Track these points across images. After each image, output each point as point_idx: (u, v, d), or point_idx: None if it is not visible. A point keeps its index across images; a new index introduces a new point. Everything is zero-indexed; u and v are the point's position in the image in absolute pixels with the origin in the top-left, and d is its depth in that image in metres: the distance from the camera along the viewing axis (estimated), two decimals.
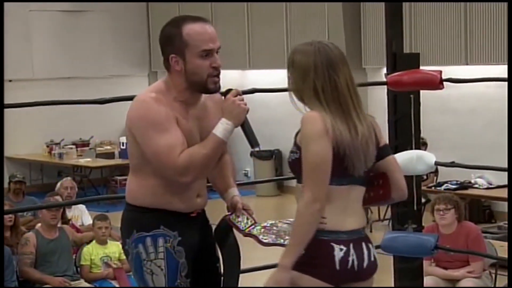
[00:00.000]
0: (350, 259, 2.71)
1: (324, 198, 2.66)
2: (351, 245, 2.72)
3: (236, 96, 2.88)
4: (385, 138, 2.88)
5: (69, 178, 8.61)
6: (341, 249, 2.70)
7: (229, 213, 3.04)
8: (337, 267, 2.69)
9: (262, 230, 2.96)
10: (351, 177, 2.72)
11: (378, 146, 2.79)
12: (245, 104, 2.87)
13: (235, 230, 3.03)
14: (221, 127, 2.84)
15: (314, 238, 2.68)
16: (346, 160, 2.69)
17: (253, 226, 2.98)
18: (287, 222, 3.00)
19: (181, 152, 2.80)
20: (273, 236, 2.96)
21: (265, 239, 2.92)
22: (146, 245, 2.92)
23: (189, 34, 2.85)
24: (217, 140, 2.83)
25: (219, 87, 2.93)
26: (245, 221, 2.99)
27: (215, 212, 3.19)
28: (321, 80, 2.70)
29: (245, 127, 2.90)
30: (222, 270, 3.09)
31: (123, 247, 3.03)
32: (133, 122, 2.87)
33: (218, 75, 2.91)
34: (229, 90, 2.92)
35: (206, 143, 2.83)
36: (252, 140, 2.93)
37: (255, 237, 2.95)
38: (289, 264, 2.66)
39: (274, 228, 2.95)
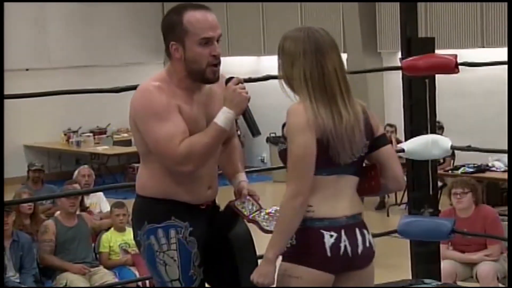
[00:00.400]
0: (342, 245, 2.69)
1: (307, 191, 2.64)
2: (343, 231, 2.70)
3: (237, 84, 2.84)
4: (381, 128, 2.85)
5: (86, 165, 8.66)
6: (331, 236, 2.68)
7: (235, 199, 3.02)
8: (329, 253, 2.67)
9: (266, 216, 2.94)
10: (338, 166, 2.70)
11: (373, 136, 2.77)
12: (247, 93, 2.84)
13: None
14: (222, 116, 2.81)
15: (304, 227, 2.67)
16: (331, 149, 2.66)
17: (258, 212, 2.96)
18: None
19: (182, 141, 2.78)
20: (275, 223, 2.90)
21: (266, 226, 2.88)
22: (158, 236, 2.90)
23: (190, 21, 2.83)
24: (218, 129, 2.81)
25: (218, 77, 2.89)
26: (250, 207, 2.97)
27: (227, 200, 3.14)
28: (309, 66, 2.67)
29: (247, 115, 2.87)
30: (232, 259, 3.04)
31: (134, 238, 3.01)
32: (135, 111, 2.87)
33: (217, 64, 2.88)
34: (230, 78, 2.88)
35: (207, 132, 2.81)
36: (254, 129, 2.91)
37: (257, 223, 2.92)
38: (274, 257, 2.66)
39: (278, 214, 2.98)
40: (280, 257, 2.73)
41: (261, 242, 2.93)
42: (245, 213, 2.96)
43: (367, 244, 2.76)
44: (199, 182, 2.92)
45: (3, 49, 11.47)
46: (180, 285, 2.92)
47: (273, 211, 2.97)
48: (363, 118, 2.74)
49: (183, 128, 2.80)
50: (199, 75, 2.87)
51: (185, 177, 2.87)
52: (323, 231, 2.68)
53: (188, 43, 2.84)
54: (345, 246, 2.69)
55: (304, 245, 2.68)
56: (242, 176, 3.07)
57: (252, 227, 3.01)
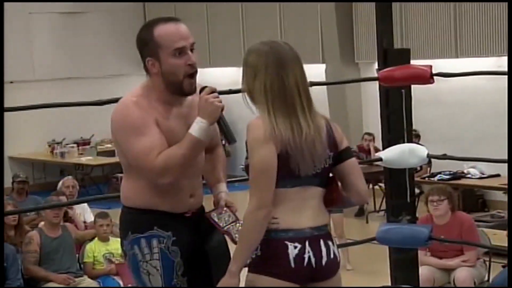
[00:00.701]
0: (306, 256, 2.70)
1: (270, 203, 2.66)
2: (307, 243, 2.71)
3: (210, 93, 2.86)
4: (346, 141, 2.84)
5: (70, 177, 8.68)
6: (295, 247, 2.69)
7: (213, 209, 3.02)
8: (292, 264, 2.68)
9: (240, 228, 2.88)
10: (300, 178, 2.71)
11: (337, 148, 2.78)
12: (220, 102, 2.86)
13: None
14: (196, 126, 2.82)
15: (268, 239, 2.69)
16: (291, 161, 2.68)
17: (233, 224, 2.96)
18: None
19: (159, 154, 2.80)
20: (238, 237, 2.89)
21: (237, 238, 2.85)
22: (141, 246, 2.93)
23: (160, 35, 2.86)
24: (192, 140, 2.82)
25: (195, 89, 2.92)
26: (227, 218, 2.97)
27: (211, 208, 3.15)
28: (269, 78, 2.69)
29: (221, 124, 2.89)
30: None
31: (121, 248, 3.07)
32: (114, 126, 2.90)
33: (194, 74, 2.89)
34: (203, 88, 2.88)
35: (183, 143, 2.82)
36: (229, 137, 2.92)
37: (230, 235, 2.93)
38: (237, 270, 2.69)
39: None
40: (246, 269, 2.76)
41: None
42: (221, 224, 2.95)
43: (332, 256, 2.77)
44: (181, 192, 2.94)
45: (3, 49, 11.47)
46: None
47: None
48: (326, 131, 2.75)
49: (160, 141, 2.83)
50: (177, 87, 2.89)
51: (166, 187, 2.89)
52: (287, 242, 2.70)
53: (162, 57, 2.87)
54: (309, 257, 2.71)
55: (268, 256, 2.70)
56: (223, 187, 3.08)
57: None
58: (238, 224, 2.94)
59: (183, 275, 2.95)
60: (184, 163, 2.83)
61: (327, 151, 2.76)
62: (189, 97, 2.97)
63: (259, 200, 2.66)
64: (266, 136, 2.66)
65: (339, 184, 2.84)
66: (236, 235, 2.90)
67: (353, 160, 2.85)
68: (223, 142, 3.13)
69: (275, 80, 2.69)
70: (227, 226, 2.95)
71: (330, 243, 2.78)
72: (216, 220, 2.97)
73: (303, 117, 2.70)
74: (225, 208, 3.00)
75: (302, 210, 2.74)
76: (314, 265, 2.72)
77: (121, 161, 3.00)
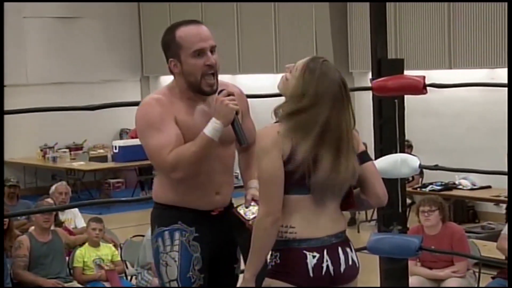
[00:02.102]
0: (324, 265, 2.72)
1: (277, 211, 2.69)
2: (325, 251, 2.73)
3: (227, 96, 2.95)
4: (362, 145, 2.89)
5: (64, 182, 8.64)
6: (313, 256, 2.72)
7: (240, 204, 3.08)
8: (311, 274, 2.71)
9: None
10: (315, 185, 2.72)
11: (356, 152, 2.81)
12: (236, 105, 2.94)
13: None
14: (210, 126, 2.92)
15: (286, 248, 2.72)
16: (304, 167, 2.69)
17: None
18: None
19: (172, 150, 2.91)
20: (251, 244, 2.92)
21: None
22: (164, 238, 3.03)
23: (181, 36, 2.98)
24: (205, 139, 2.91)
25: (215, 90, 3.01)
26: (254, 210, 3.00)
27: None
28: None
29: (234, 125, 2.96)
30: (239, 271, 3.13)
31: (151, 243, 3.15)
32: (136, 123, 3.03)
33: (213, 74, 3.01)
34: (221, 91, 2.99)
35: (196, 141, 2.92)
36: (241, 139, 3.00)
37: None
38: (251, 277, 2.73)
39: None
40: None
41: None
42: (246, 216, 3.00)
43: (350, 262, 2.78)
44: (206, 189, 3.03)
45: (3, 50, 11.46)
46: (177, 285, 3.02)
47: None
48: None
49: (175, 138, 2.94)
50: (196, 86, 3.00)
51: (191, 183, 2.99)
52: (305, 252, 2.72)
53: (183, 57, 2.99)
54: (327, 266, 2.73)
55: (287, 265, 2.73)
56: (253, 183, 3.11)
57: None
58: None
59: (200, 271, 3.03)
60: (194, 161, 2.92)
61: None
62: (212, 96, 3.05)
63: (267, 208, 2.69)
64: (274, 145, 2.69)
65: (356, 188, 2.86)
66: None
67: (371, 163, 2.87)
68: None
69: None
70: (254, 219, 2.96)
71: (348, 249, 2.80)
72: (242, 212, 3.02)
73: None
74: (252, 202, 3.04)
75: (319, 217, 2.76)
76: (332, 273, 2.74)
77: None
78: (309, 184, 2.71)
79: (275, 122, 2.76)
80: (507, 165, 4.27)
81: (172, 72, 3.05)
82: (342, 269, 2.76)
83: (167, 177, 3.00)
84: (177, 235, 3.02)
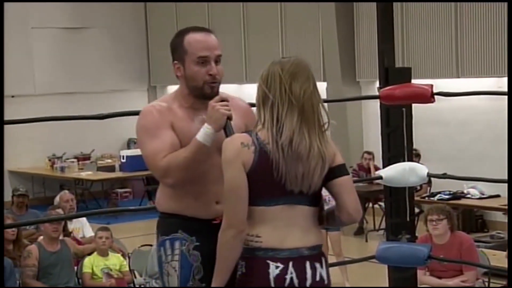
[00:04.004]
0: (288, 277, 2.67)
1: (239, 223, 2.66)
2: (291, 263, 2.68)
3: (220, 101, 2.95)
4: (340, 157, 2.77)
5: (66, 191, 8.71)
6: (277, 267, 2.67)
7: None
8: (272, 284, 2.66)
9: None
10: (285, 196, 2.69)
11: (330, 165, 2.73)
12: (228, 110, 2.94)
13: None
14: (202, 132, 2.92)
15: (250, 257, 2.70)
16: (276, 178, 2.66)
17: None
18: None
19: (165, 155, 2.93)
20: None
21: None
22: (166, 247, 3.04)
23: (189, 42, 3.02)
24: (197, 144, 2.91)
25: (216, 92, 3.02)
26: None
27: None
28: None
29: (226, 131, 2.95)
30: None
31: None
32: (136, 130, 3.06)
33: (215, 82, 3.03)
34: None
35: (188, 147, 2.93)
36: None
37: None
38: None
39: None
40: None
41: None
42: None
43: (318, 278, 2.71)
44: (205, 198, 3.02)
45: (3, 50, 11.48)
46: None
47: None
48: (317, 146, 2.70)
49: (169, 144, 2.95)
50: (198, 91, 3.03)
51: (191, 192, 3.00)
52: (269, 262, 2.68)
53: (187, 62, 3.02)
54: (291, 278, 2.68)
55: (251, 274, 2.71)
56: None
57: None
58: None
59: (201, 280, 3.01)
60: (185, 166, 2.92)
61: (319, 167, 2.69)
62: None
63: (229, 220, 2.68)
64: (233, 156, 2.68)
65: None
66: None
67: (345, 178, 2.76)
68: None
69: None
70: None
71: (318, 265, 2.73)
72: None
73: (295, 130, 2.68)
74: None
75: (289, 229, 2.70)
76: (297, 286, 2.68)
77: None
78: (279, 191, 2.66)
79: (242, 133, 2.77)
80: (507, 172, 4.26)
81: (176, 76, 3.09)
82: (307, 283, 2.69)
83: (168, 186, 3.01)
84: (177, 244, 3.02)
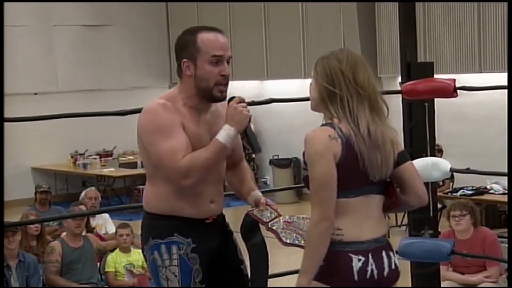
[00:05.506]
0: (369, 268, 2.72)
1: (332, 215, 2.67)
2: (370, 255, 2.73)
3: (239, 103, 2.95)
4: (401, 145, 2.86)
5: (93, 188, 8.73)
6: (359, 260, 2.71)
7: (252, 208, 3.09)
8: (356, 277, 2.70)
9: (284, 225, 2.98)
10: (362, 187, 2.73)
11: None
12: (248, 111, 2.94)
13: (260, 225, 3.08)
14: (223, 133, 2.91)
15: (332, 250, 2.70)
16: (361, 168, 2.70)
17: (276, 220, 3.02)
18: (307, 218, 2.98)
19: (184, 156, 2.87)
20: (294, 235, 2.98)
21: (285, 238, 2.95)
22: (161, 252, 3.00)
23: (203, 40, 2.97)
24: (219, 145, 2.90)
25: (225, 96, 3.01)
26: (269, 214, 3.03)
27: (238, 220, 3.21)
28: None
29: (248, 133, 2.96)
30: (248, 271, 3.13)
31: (142, 253, 3.14)
32: (141, 129, 2.98)
33: (225, 84, 3.00)
34: (232, 97, 2.99)
35: (209, 148, 2.90)
36: (255, 146, 3.01)
37: (276, 233, 2.98)
38: (306, 283, 2.70)
39: (295, 223, 2.98)
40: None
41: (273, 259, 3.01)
42: (264, 219, 3.02)
43: (393, 266, 2.78)
44: (201, 197, 3.01)
45: (3, 51, 11.58)
46: None
47: (290, 219, 3.03)
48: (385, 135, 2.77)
49: (185, 144, 2.90)
50: (207, 93, 2.98)
51: (189, 193, 2.96)
52: (351, 255, 2.71)
53: (199, 61, 2.97)
54: (372, 269, 2.72)
55: (333, 268, 2.71)
56: (258, 193, 3.15)
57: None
58: (281, 221, 3.01)
59: (201, 282, 3.01)
60: (207, 167, 2.90)
61: (392, 152, 2.76)
62: (213, 105, 3.05)
63: (321, 213, 2.67)
64: (324, 148, 2.68)
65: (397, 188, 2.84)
66: (283, 233, 2.97)
67: (410, 163, 2.84)
68: (249, 152, 3.18)
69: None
70: (271, 222, 3.00)
71: (391, 253, 2.79)
72: (260, 216, 3.03)
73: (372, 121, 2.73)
74: (266, 206, 3.06)
75: (365, 221, 2.76)
76: (376, 277, 2.73)
77: (145, 166, 3.07)
78: (360, 181, 2.69)
79: (322, 126, 2.76)
80: (507, 166, 4.23)
81: (180, 74, 3.02)
82: (385, 273, 2.75)
83: (163, 186, 2.96)
84: (174, 249, 2.99)
